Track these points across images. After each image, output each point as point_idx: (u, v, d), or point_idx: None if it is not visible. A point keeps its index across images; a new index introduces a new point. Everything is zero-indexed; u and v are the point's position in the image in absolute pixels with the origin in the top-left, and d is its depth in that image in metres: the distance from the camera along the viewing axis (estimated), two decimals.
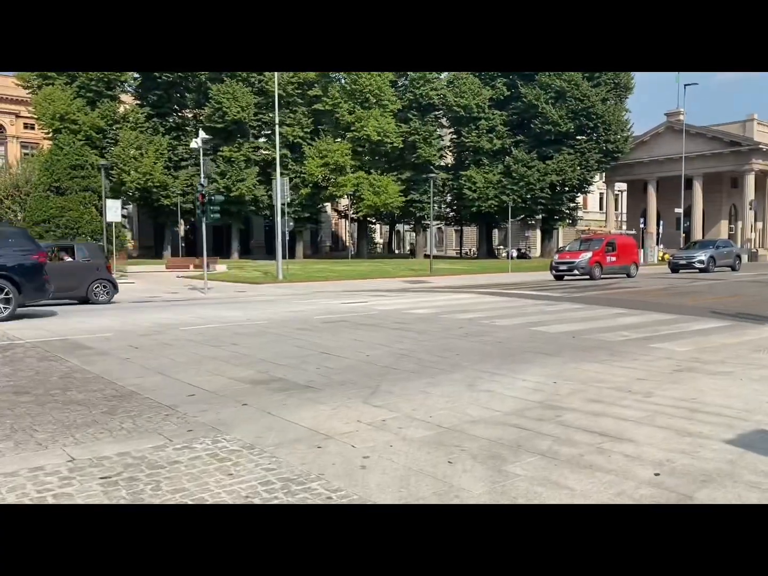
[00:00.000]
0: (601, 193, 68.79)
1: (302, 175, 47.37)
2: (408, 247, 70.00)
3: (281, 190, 23.49)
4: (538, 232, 59.08)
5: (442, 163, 55.21)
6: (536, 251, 62.89)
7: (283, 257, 24.57)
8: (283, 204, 24.23)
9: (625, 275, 26.46)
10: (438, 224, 71.31)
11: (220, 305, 14.93)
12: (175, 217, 46.01)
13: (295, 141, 47.76)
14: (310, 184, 47.57)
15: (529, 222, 57.95)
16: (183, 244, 50.09)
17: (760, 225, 54.73)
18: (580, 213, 62.54)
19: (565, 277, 25.32)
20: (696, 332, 9.92)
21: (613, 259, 25.90)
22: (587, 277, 24.69)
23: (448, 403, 5.33)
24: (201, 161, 21.54)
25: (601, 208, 70.99)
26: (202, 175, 20.80)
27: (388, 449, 4.07)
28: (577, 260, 25.11)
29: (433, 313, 12.45)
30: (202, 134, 20.85)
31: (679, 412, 5.04)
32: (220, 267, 31.54)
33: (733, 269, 31.46)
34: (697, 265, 30.12)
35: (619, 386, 6.04)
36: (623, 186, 61.74)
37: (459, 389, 5.88)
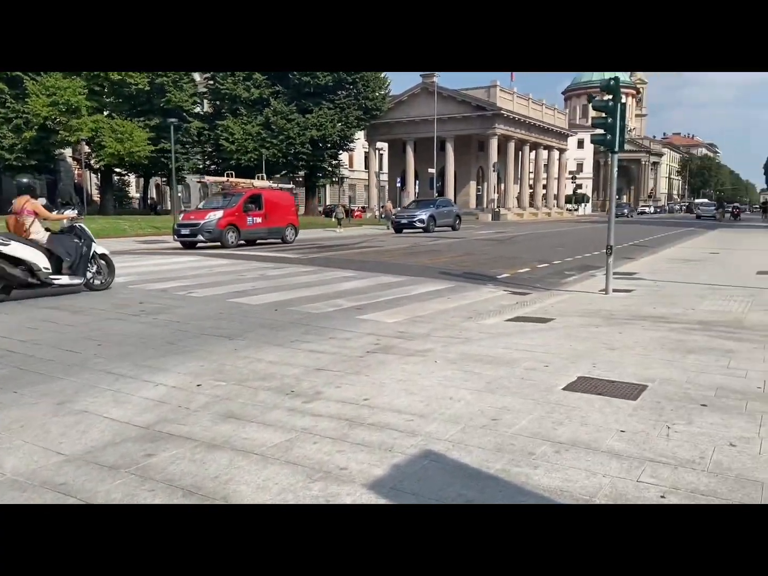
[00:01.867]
0: (365, 152, 69.49)
1: (25, 115, 40.03)
2: (150, 202, 62.93)
3: None
4: (303, 190, 57.76)
5: (198, 111, 50.80)
6: (302, 208, 61.83)
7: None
8: None
9: (279, 240, 21.16)
10: (200, 178, 66.50)
11: None
12: None
13: (15, 74, 40.02)
14: (36, 127, 40.41)
15: (295, 179, 56.39)
16: None
17: (503, 187, 59.62)
18: (345, 171, 62.55)
19: (198, 245, 19.05)
20: (416, 297, 9.08)
21: (258, 220, 20.13)
22: (218, 243, 18.85)
23: None
24: None
25: (366, 167, 71.84)
26: None
27: None
28: (202, 222, 18.73)
29: (125, 282, 10.09)
30: None
31: (336, 427, 3.64)
32: None
33: (453, 228, 30.73)
34: (418, 224, 29.00)
35: (285, 384, 4.56)
36: (386, 145, 62.90)
37: (38, 412, 3.88)
